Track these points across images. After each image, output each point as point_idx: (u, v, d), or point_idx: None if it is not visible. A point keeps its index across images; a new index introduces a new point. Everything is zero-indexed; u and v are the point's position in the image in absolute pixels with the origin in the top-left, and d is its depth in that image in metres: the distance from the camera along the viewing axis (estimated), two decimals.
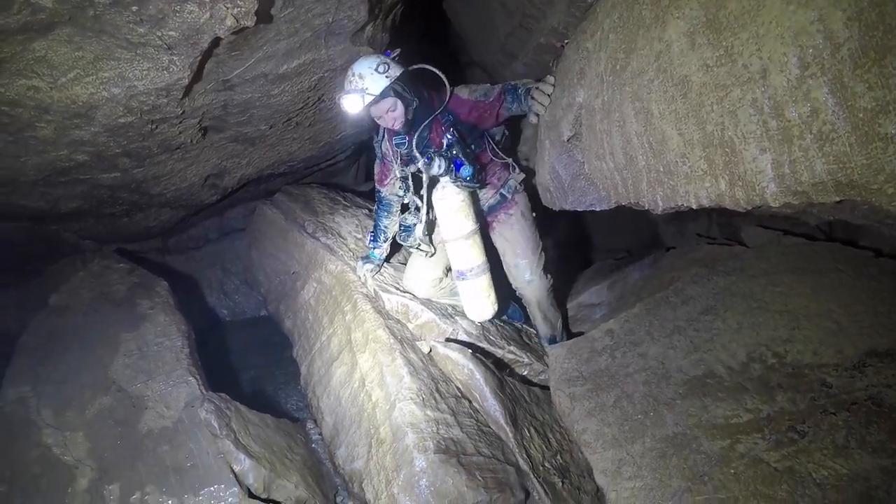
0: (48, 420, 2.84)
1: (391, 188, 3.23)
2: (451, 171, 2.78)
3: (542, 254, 3.14)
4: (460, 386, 2.71)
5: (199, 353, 3.25)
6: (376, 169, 3.25)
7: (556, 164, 2.54)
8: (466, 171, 2.76)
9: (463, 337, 2.97)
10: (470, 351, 2.76)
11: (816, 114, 1.25)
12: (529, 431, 2.57)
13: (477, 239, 2.87)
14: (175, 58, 2.27)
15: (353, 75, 2.63)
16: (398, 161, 3.00)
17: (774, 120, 1.32)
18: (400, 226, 3.21)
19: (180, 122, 2.80)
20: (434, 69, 2.74)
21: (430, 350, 2.82)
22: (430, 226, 3.09)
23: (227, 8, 2.03)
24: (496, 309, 2.95)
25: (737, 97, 1.38)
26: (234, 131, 3.27)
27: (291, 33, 2.58)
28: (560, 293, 3.43)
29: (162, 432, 2.72)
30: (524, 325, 3.44)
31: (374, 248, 3.36)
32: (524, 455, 2.44)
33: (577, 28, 2.30)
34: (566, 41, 2.52)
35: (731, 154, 1.44)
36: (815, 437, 1.88)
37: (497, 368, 2.81)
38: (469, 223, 2.81)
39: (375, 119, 2.82)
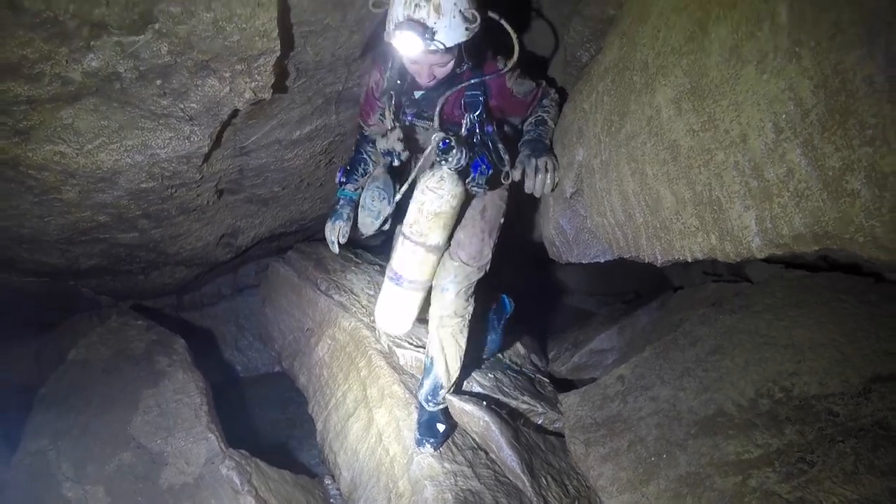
0: (68, 474, 2.92)
1: (378, 128, 2.77)
2: (466, 168, 2.36)
3: (480, 271, 2.67)
4: (476, 438, 2.79)
5: (217, 409, 3.35)
6: (361, 99, 2.84)
7: (560, 219, 2.66)
8: (483, 177, 2.36)
9: (477, 389, 3.03)
10: (484, 403, 2.82)
11: (792, 174, 1.40)
12: (546, 480, 2.64)
13: (438, 258, 2.54)
14: (196, 128, 2.45)
15: (414, 26, 1.98)
16: (389, 106, 2.50)
17: (755, 180, 1.48)
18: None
19: (198, 186, 2.96)
20: (511, 31, 2.18)
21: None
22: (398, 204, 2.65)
23: (246, 83, 2.22)
24: (407, 329, 2.72)
25: (721, 160, 1.54)
26: (249, 193, 3.44)
27: (304, 101, 2.76)
28: (477, 342, 3.04)
29: (183, 488, 2.80)
30: (537, 375, 3.46)
31: (348, 184, 2.86)
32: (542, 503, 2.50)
33: (574, 88, 2.48)
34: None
35: (719, 212, 1.59)
36: (825, 466, 1.95)
37: (512, 419, 2.88)
38: (443, 237, 2.45)
39: (406, 61, 2.26)
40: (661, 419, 2.53)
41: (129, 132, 2.38)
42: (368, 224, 2.67)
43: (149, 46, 1.98)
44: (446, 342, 2.67)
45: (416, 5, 1.99)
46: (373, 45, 2.62)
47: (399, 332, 2.77)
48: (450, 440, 2.70)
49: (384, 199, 2.65)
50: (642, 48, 1.86)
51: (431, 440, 2.62)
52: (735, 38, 1.49)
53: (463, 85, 2.39)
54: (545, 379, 3.40)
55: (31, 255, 3.34)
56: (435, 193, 2.32)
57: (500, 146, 2.45)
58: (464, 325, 2.69)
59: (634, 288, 4.88)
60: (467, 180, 2.37)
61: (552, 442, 2.92)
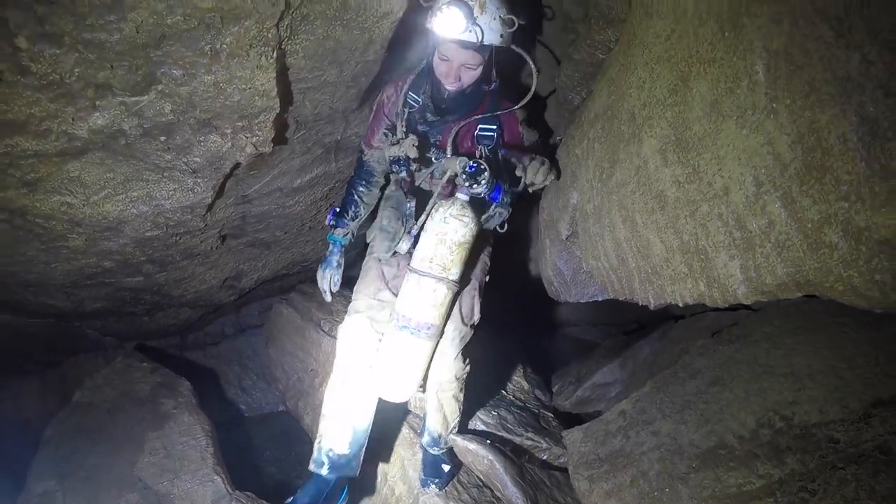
0: None
1: (379, 153, 2.71)
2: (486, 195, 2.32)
3: (472, 329, 2.58)
4: (481, 476, 2.82)
5: (222, 450, 3.37)
6: (370, 117, 2.75)
7: (557, 260, 2.72)
8: (504, 208, 2.44)
9: (480, 427, 3.07)
10: (488, 441, 2.86)
11: (773, 225, 1.46)
12: None
13: (452, 297, 2.37)
14: (199, 180, 2.52)
15: (462, 5, 2.12)
16: (403, 117, 2.52)
17: (738, 231, 1.54)
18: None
19: (202, 233, 3.04)
20: (531, 61, 2.26)
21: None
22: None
23: (247, 138, 2.30)
24: (414, 394, 2.49)
25: (706, 211, 1.61)
26: (252, 237, 3.52)
27: (304, 151, 2.84)
28: (477, 384, 2.89)
29: None
30: (541, 410, 3.48)
31: (337, 228, 2.83)
32: None
33: (566, 132, 2.56)
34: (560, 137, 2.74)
35: (705, 260, 1.65)
36: (826, 494, 1.98)
37: (516, 455, 2.92)
38: (459, 271, 2.32)
39: (439, 57, 2.35)
40: (663, 453, 2.56)
41: (134, 184, 2.45)
42: (386, 248, 2.66)
43: (152, 106, 2.06)
44: (446, 403, 2.63)
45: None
46: (387, 67, 2.68)
47: (408, 396, 2.47)
48: (455, 479, 2.73)
49: (399, 219, 2.68)
50: (629, 98, 1.93)
51: (436, 480, 2.62)
52: (715, 93, 1.56)
53: (478, 117, 2.48)
54: (549, 414, 3.43)
55: (38, 297, 3.41)
56: (460, 222, 2.21)
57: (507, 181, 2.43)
58: (462, 386, 2.63)
59: (636, 317, 4.91)
60: (485, 215, 2.45)
61: (557, 478, 2.96)
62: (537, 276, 3.58)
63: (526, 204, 3.47)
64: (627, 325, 4.72)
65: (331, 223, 2.83)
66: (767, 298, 1.56)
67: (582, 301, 2.68)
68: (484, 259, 2.70)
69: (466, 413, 2.85)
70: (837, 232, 1.33)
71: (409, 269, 2.32)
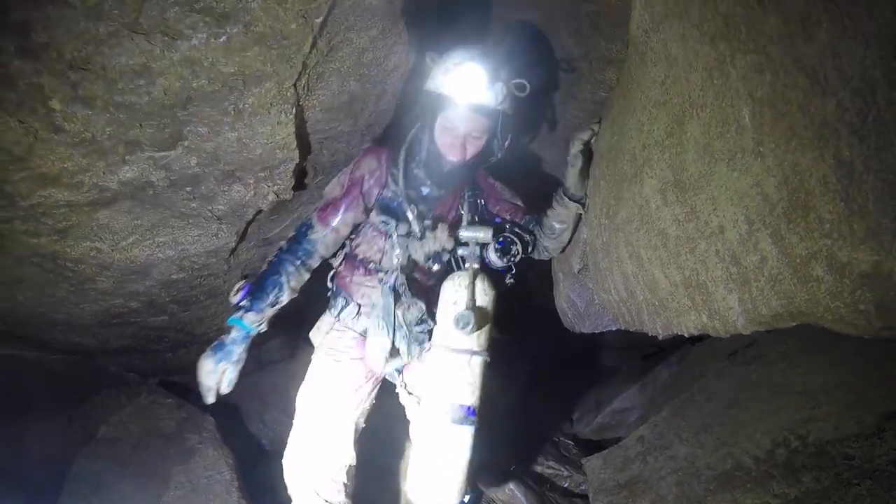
0: None
1: (334, 237, 2.45)
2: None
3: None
4: None
5: (246, 483, 3.49)
6: (331, 189, 2.49)
7: (570, 293, 2.79)
8: (516, 248, 2.39)
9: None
10: (510, 469, 2.97)
11: (765, 261, 1.56)
12: None
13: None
14: (223, 226, 2.65)
15: (479, 64, 2.08)
16: (409, 204, 2.36)
17: (734, 267, 1.64)
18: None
19: (226, 275, 3.17)
20: (504, 141, 2.35)
21: None
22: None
23: (269, 186, 2.43)
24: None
25: (703, 249, 1.70)
26: None
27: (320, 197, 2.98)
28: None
29: None
30: (560, 438, 3.55)
31: (250, 312, 2.32)
32: None
33: None
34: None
35: (706, 294, 1.75)
36: None
37: (538, 484, 3.01)
38: (487, 339, 2.23)
39: (444, 125, 2.25)
40: (681, 477, 2.63)
41: (161, 230, 2.58)
42: (381, 361, 2.39)
43: (179, 160, 2.20)
44: None
45: (476, 57, 2.10)
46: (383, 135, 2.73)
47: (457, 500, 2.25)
48: None
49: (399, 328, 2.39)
50: (630, 139, 2.03)
51: None
52: (707, 137, 1.66)
53: (468, 183, 2.43)
54: (569, 442, 3.51)
55: (65, 336, 3.48)
56: (495, 292, 2.22)
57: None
58: None
59: (655, 341, 4.94)
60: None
61: None
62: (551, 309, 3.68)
63: None
64: (645, 350, 4.77)
65: (242, 303, 2.36)
66: (765, 328, 1.65)
67: (596, 331, 2.74)
68: None
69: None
70: (823, 266, 1.41)
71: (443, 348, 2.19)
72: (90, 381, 4.44)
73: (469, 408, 2.12)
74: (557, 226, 2.51)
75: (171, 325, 3.66)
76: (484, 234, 2.26)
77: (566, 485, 3.20)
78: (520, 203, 2.59)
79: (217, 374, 2.29)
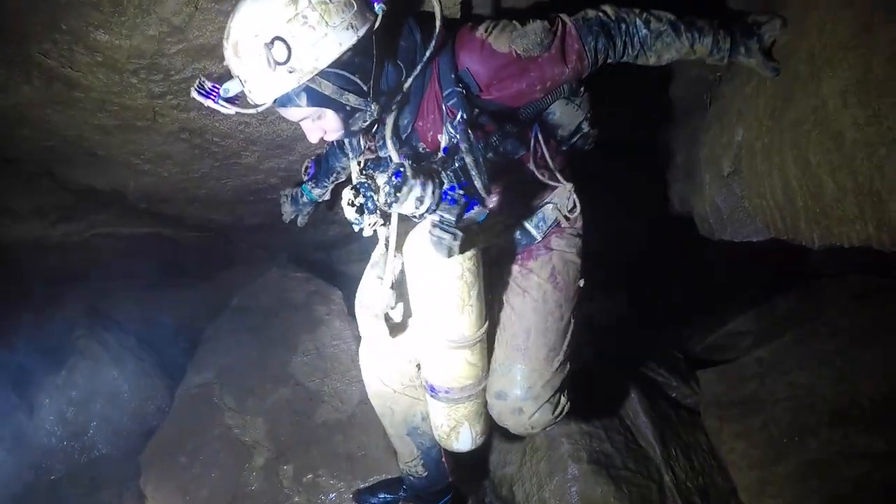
0: (230, 405, 3.31)
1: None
2: (447, 208, 1.49)
3: (562, 366, 2.02)
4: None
5: None
6: None
7: (716, 197, 2.72)
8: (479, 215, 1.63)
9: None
10: (625, 370, 3.03)
11: None
12: (675, 451, 2.82)
13: (482, 345, 1.87)
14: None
15: (230, 38, 1.48)
16: (353, 143, 2.00)
17: None
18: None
19: None
20: None
21: None
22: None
23: None
24: (479, 443, 2.14)
25: (883, 154, 1.65)
26: None
27: None
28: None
29: (336, 424, 3.12)
30: (672, 352, 3.55)
31: (315, 187, 2.53)
32: (669, 473, 2.69)
33: (732, 70, 2.55)
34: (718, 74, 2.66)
35: (878, 203, 1.70)
36: None
37: (649, 387, 3.06)
38: (474, 321, 1.76)
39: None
40: (796, 404, 2.67)
41: None
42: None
43: None
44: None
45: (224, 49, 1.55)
46: None
47: (468, 449, 2.15)
48: None
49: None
50: (808, 38, 1.93)
51: None
52: None
53: (420, 89, 1.74)
54: (679, 355, 3.52)
55: (206, 213, 3.73)
56: (426, 258, 1.66)
57: (492, 145, 1.76)
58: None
59: (773, 273, 4.81)
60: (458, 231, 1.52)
61: (683, 416, 3.08)
62: (675, 216, 3.67)
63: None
64: (763, 279, 4.63)
65: (309, 179, 2.51)
66: None
67: (736, 240, 2.68)
68: (559, 249, 2.07)
69: None
70: None
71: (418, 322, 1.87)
72: (222, 256, 4.78)
73: (447, 389, 1.91)
74: (676, 54, 1.90)
75: None
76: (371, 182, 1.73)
77: (674, 395, 3.21)
78: (551, 45, 1.71)
79: (291, 216, 2.67)
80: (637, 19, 1.81)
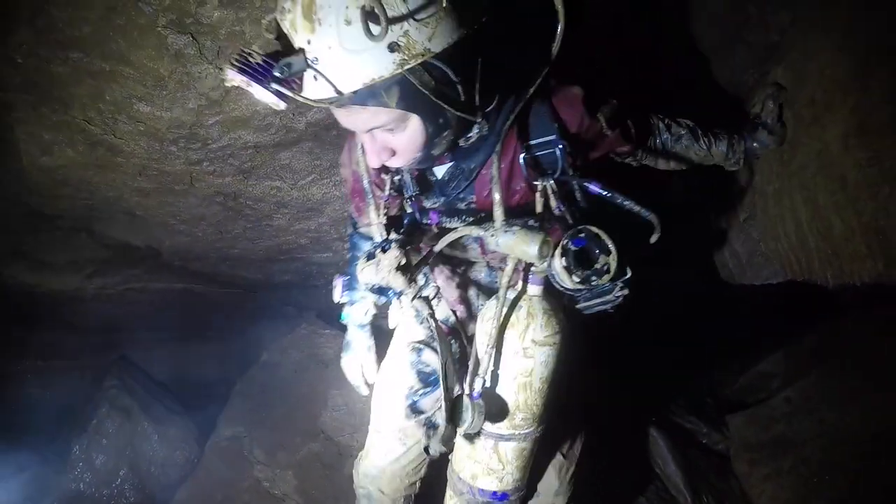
0: (260, 458, 3.32)
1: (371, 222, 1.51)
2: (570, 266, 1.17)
3: (575, 460, 1.89)
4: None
5: None
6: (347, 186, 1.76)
7: (734, 242, 2.76)
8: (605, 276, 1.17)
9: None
10: (653, 418, 3.00)
11: None
12: (707, 498, 2.79)
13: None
14: None
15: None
16: (389, 188, 1.48)
17: None
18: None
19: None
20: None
21: None
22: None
23: None
24: None
25: (886, 193, 1.71)
26: None
27: None
28: None
29: None
30: (702, 397, 3.53)
31: (354, 305, 1.97)
32: None
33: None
34: None
35: (883, 240, 1.76)
36: None
37: (678, 434, 3.04)
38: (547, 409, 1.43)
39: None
40: (826, 442, 2.61)
41: (339, 169, 2.56)
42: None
43: None
44: None
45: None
46: None
47: None
48: None
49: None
50: (810, 83, 2.01)
51: None
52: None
53: (503, 127, 1.29)
54: (709, 400, 3.49)
55: (233, 270, 3.82)
56: (550, 347, 1.31)
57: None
58: None
59: (797, 309, 4.77)
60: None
61: (714, 462, 3.03)
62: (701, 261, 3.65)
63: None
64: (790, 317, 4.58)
65: (343, 301, 2.02)
66: None
67: (756, 283, 2.72)
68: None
69: None
70: None
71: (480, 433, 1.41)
72: (249, 313, 4.81)
73: (495, 493, 1.49)
74: (695, 157, 1.88)
75: (334, 262, 3.86)
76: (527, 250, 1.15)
77: (704, 441, 3.18)
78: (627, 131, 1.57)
79: (357, 370, 2.09)
80: (660, 123, 1.80)
